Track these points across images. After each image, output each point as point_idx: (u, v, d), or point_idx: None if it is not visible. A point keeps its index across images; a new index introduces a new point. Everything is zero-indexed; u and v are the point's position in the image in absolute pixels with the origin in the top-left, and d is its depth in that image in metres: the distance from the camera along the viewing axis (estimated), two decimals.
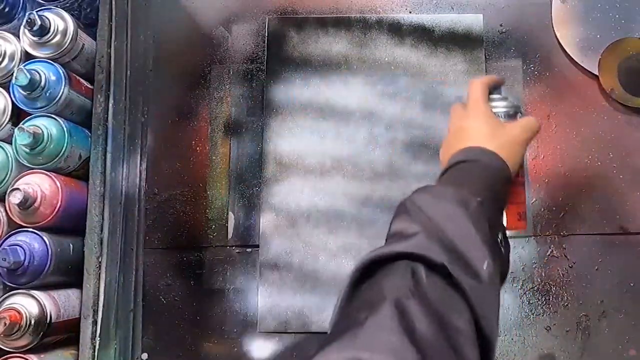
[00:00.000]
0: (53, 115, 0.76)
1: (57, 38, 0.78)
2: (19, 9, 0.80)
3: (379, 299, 0.41)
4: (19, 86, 0.74)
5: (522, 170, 0.64)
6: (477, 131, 0.61)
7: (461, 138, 0.61)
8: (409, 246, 0.45)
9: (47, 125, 0.75)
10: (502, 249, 0.53)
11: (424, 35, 0.91)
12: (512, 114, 0.65)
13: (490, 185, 0.55)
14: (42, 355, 0.72)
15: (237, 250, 0.87)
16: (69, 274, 0.77)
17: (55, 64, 0.78)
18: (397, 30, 0.91)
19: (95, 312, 0.76)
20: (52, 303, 0.73)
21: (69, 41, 0.78)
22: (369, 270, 0.45)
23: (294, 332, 0.84)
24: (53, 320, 0.72)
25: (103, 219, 0.79)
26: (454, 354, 0.39)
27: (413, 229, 0.47)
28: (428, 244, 0.45)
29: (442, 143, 0.65)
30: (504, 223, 0.62)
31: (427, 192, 0.52)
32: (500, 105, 0.65)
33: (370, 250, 0.46)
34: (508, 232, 0.60)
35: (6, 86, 0.79)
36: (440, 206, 0.50)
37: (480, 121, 0.61)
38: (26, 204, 0.71)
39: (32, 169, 0.76)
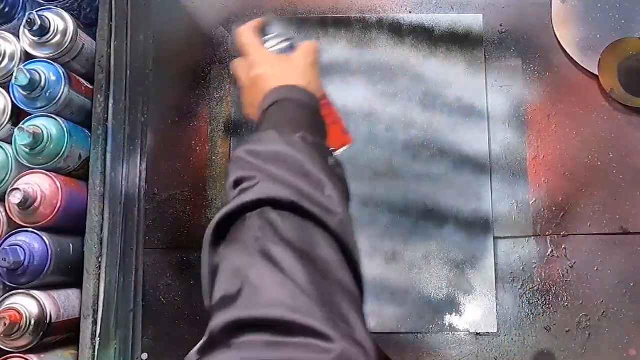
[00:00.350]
0: (53, 115, 0.76)
1: (57, 38, 0.78)
2: (19, 9, 0.80)
3: (244, 258, 0.41)
4: (19, 86, 0.74)
5: (324, 91, 0.66)
6: (269, 74, 0.62)
7: (257, 87, 0.61)
8: (253, 194, 0.45)
9: (47, 125, 0.75)
10: (338, 169, 0.54)
11: (424, 35, 0.91)
12: (291, 45, 0.67)
13: (305, 117, 0.57)
14: (42, 355, 0.72)
15: None
16: (69, 274, 0.77)
17: (55, 64, 0.78)
18: (397, 30, 0.91)
19: (95, 312, 0.76)
20: (52, 303, 0.73)
21: (69, 41, 0.78)
22: (223, 228, 0.45)
23: None
24: (53, 320, 0.72)
25: (103, 219, 0.79)
26: (329, 283, 0.40)
27: (251, 178, 0.47)
28: (271, 186, 0.45)
29: (242, 102, 0.66)
30: (332, 144, 0.64)
31: (251, 143, 0.52)
32: (275, 42, 0.67)
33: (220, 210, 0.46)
34: (340, 150, 0.66)
35: (6, 86, 0.79)
36: (268, 151, 0.50)
37: (267, 64, 0.63)
38: (26, 204, 0.71)
39: (32, 169, 0.76)
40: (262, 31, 0.68)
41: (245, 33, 0.65)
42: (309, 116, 0.58)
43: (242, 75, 0.66)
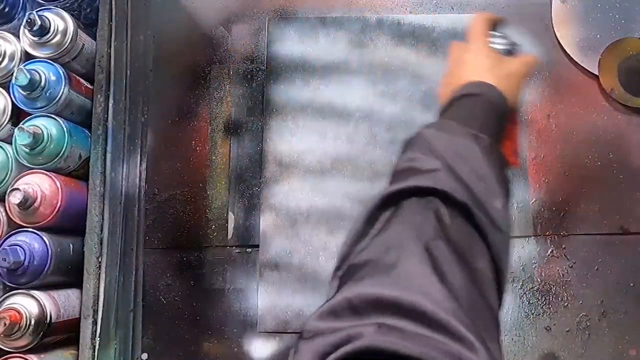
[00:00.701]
0: (53, 115, 0.76)
1: (57, 38, 0.78)
2: (19, 9, 0.80)
3: (407, 239, 0.40)
4: (19, 86, 0.74)
5: (518, 106, 0.65)
6: (477, 64, 0.60)
7: (461, 72, 0.61)
8: (430, 181, 0.43)
9: (47, 125, 0.75)
10: (508, 183, 0.52)
11: (424, 35, 0.91)
12: (511, 51, 0.66)
13: (495, 120, 0.55)
14: (42, 355, 0.72)
15: (237, 250, 0.87)
16: (69, 274, 0.77)
17: (55, 64, 0.78)
18: (397, 30, 0.91)
19: (95, 312, 0.76)
20: (52, 303, 0.73)
21: (69, 41, 0.78)
22: (390, 203, 0.44)
23: (294, 332, 0.84)
24: (53, 320, 0.72)
25: (103, 219, 0.79)
26: (479, 296, 0.39)
27: (431, 164, 0.45)
28: (449, 181, 0.44)
29: (440, 79, 0.65)
30: None
31: (438, 128, 0.51)
32: (500, 42, 0.66)
33: (389, 186, 0.44)
34: None
35: (6, 86, 0.79)
36: (454, 142, 0.48)
37: (480, 54, 0.62)
38: (26, 204, 0.71)
39: (32, 169, 0.76)
40: (493, 28, 0.67)
41: (477, 22, 0.65)
42: (497, 120, 0.56)
43: (454, 54, 0.65)
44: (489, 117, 0.55)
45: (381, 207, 0.44)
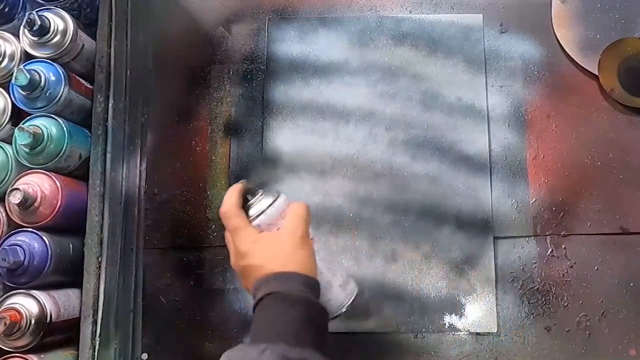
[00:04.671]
0: (53, 115, 0.76)
1: (57, 38, 0.78)
2: (19, 9, 0.80)
3: None
4: (19, 86, 0.74)
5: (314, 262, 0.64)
6: (257, 265, 0.60)
7: (249, 276, 0.61)
8: None
9: (47, 125, 0.75)
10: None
11: (424, 35, 0.91)
12: (276, 208, 0.65)
13: (291, 316, 0.55)
14: (42, 355, 0.72)
15: None
16: (69, 274, 0.77)
17: (55, 64, 0.78)
18: (397, 30, 0.91)
19: (95, 312, 0.76)
20: (52, 303, 0.73)
21: (68, 41, 0.78)
22: None
23: None
24: (53, 320, 0.72)
25: (103, 219, 0.79)
26: None
27: None
28: None
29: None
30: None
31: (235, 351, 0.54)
32: (260, 212, 0.64)
33: None
34: (346, 306, 0.66)
35: (6, 86, 0.79)
36: None
37: (254, 254, 0.61)
38: (26, 204, 0.71)
39: (32, 169, 0.76)
40: (244, 195, 0.66)
41: (228, 216, 0.63)
42: (299, 312, 0.56)
43: (232, 258, 0.65)
44: (285, 314, 0.55)
45: None
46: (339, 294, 0.67)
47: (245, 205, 0.66)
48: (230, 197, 0.65)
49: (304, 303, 0.57)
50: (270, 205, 0.65)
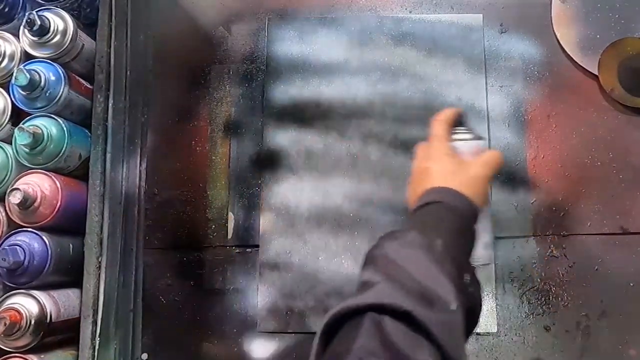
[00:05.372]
0: (53, 115, 0.76)
1: (57, 38, 0.78)
2: (19, 9, 0.80)
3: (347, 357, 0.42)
4: (19, 86, 0.74)
5: (485, 205, 0.64)
6: (439, 171, 0.62)
7: (424, 179, 0.62)
8: (371, 297, 0.46)
9: (47, 125, 0.75)
10: (471, 288, 0.53)
11: (424, 35, 0.91)
12: (476, 144, 0.67)
13: (455, 225, 0.56)
14: (42, 355, 0.72)
15: (237, 250, 0.87)
16: (69, 274, 0.77)
17: (55, 64, 0.78)
18: (397, 30, 0.91)
19: (95, 312, 0.76)
20: (52, 303, 0.73)
21: (68, 41, 0.78)
22: (338, 324, 0.46)
23: (294, 332, 0.84)
24: (53, 320, 0.72)
25: (103, 219, 0.79)
26: None
27: (376, 278, 0.48)
28: (391, 291, 0.46)
29: (408, 187, 0.66)
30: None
31: (393, 239, 0.53)
32: (463, 140, 0.67)
33: (337, 304, 0.46)
34: (475, 263, 0.62)
35: (6, 86, 0.79)
36: (404, 251, 0.50)
37: (442, 161, 0.62)
38: (26, 204, 0.71)
39: (32, 169, 0.76)
40: (457, 123, 0.68)
41: (438, 123, 0.66)
42: (461, 227, 0.57)
43: (418, 159, 0.66)
44: (448, 223, 0.56)
45: (333, 328, 0.46)
46: (479, 250, 0.67)
47: (453, 128, 0.68)
48: (449, 111, 0.67)
49: (468, 223, 0.58)
50: (474, 138, 0.67)
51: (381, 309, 0.44)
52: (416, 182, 0.64)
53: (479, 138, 0.68)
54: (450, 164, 0.62)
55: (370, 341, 0.42)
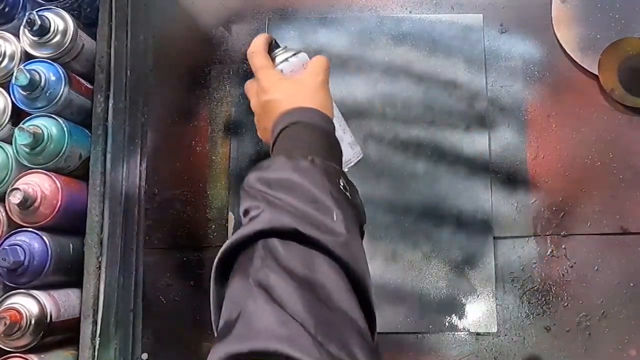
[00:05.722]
0: (53, 115, 0.76)
1: (57, 38, 0.78)
2: (19, 9, 0.80)
3: (242, 286, 0.41)
4: (19, 86, 0.74)
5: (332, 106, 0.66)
6: (280, 98, 0.62)
7: (270, 112, 0.62)
8: (257, 224, 0.45)
9: (47, 125, 0.75)
10: (347, 193, 0.53)
11: (424, 35, 0.91)
12: (299, 60, 0.68)
13: (316, 139, 0.57)
14: (42, 355, 0.72)
15: None
16: (69, 274, 0.77)
17: (55, 64, 0.78)
18: (397, 30, 0.91)
19: (95, 312, 0.76)
20: (52, 303, 0.73)
21: (69, 41, 0.78)
22: (230, 259, 0.45)
23: None
24: (53, 320, 0.72)
25: (103, 219, 0.79)
26: (327, 309, 0.39)
27: (257, 207, 0.48)
28: (274, 215, 0.46)
29: (256, 126, 0.67)
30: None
31: (260, 169, 0.53)
32: (284, 57, 0.67)
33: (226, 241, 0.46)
34: (350, 165, 0.66)
35: (6, 86, 0.79)
36: (275, 177, 0.50)
37: (278, 88, 0.63)
38: (26, 204, 0.71)
39: (32, 169, 0.75)
40: (270, 46, 0.68)
41: (255, 55, 0.65)
42: (321, 138, 0.57)
43: (253, 100, 0.66)
44: (310, 136, 0.57)
45: (222, 272, 0.46)
46: (347, 150, 0.70)
47: (270, 54, 0.68)
48: (258, 40, 0.67)
49: (326, 132, 0.59)
50: (294, 54, 0.68)
51: (270, 233, 0.44)
52: (263, 119, 0.64)
53: (299, 51, 0.69)
54: (287, 87, 0.63)
55: (265, 267, 0.41)
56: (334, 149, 0.59)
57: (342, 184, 0.52)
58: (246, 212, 0.49)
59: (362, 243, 0.50)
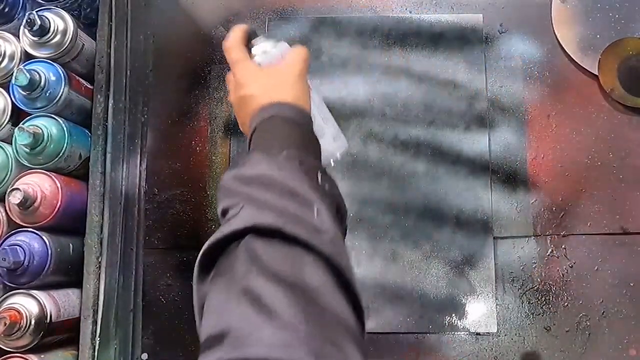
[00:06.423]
0: (53, 115, 0.76)
1: (57, 38, 0.78)
2: (19, 9, 0.80)
3: (225, 295, 0.40)
4: (19, 86, 0.74)
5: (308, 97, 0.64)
6: (257, 92, 0.60)
7: (247, 106, 0.61)
8: (237, 223, 0.44)
9: (47, 125, 0.75)
10: (326, 185, 0.52)
11: (424, 35, 0.91)
12: (278, 50, 0.66)
13: (292, 133, 0.56)
14: (42, 355, 0.72)
15: None
16: (69, 274, 0.77)
17: (55, 64, 0.78)
18: (397, 30, 0.91)
19: (95, 312, 0.76)
20: (52, 303, 0.73)
21: (68, 41, 0.78)
22: (211, 260, 0.44)
23: None
24: (53, 320, 0.72)
25: (103, 219, 0.79)
26: (318, 311, 0.38)
27: (236, 205, 0.46)
28: (254, 213, 0.45)
29: (236, 120, 0.66)
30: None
31: (237, 167, 0.52)
32: (261, 51, 0.65)
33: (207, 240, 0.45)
34: (335, 157, 0.64)
35: (6, 86, 0.79)
36: (253, 174, 0.49)
37: (254, 81, 0.61)
38: (26, 204, 0.71)
39: (32, 169, 0.75)
40: (248, 37, 0.66)
41: (232, 49, 0.64)
42: (297, 132, 0.56)
43: (231, 94, 0.65)
44: (287, 131, 0.56)
45: (203, 271, 0.45)
46: (330, 143, 0.67)
47: (248, 45, 0.66)
48: (235, 33, 0.66)
49: (303, 126, 0.58)
50: (272, 45, 0.66)
51: (251, 231, 0.43)
52: (242, 113, 0.63)
53: (279, 41, 0.67)
54: (263, 79, 0.61)
55: (249, 273, 0.40)
56: (311, 143, 0.58)
57: (319, 178, 0.51)
58: (224, 212, 0.48)
59: (344, 237, 0.49)
